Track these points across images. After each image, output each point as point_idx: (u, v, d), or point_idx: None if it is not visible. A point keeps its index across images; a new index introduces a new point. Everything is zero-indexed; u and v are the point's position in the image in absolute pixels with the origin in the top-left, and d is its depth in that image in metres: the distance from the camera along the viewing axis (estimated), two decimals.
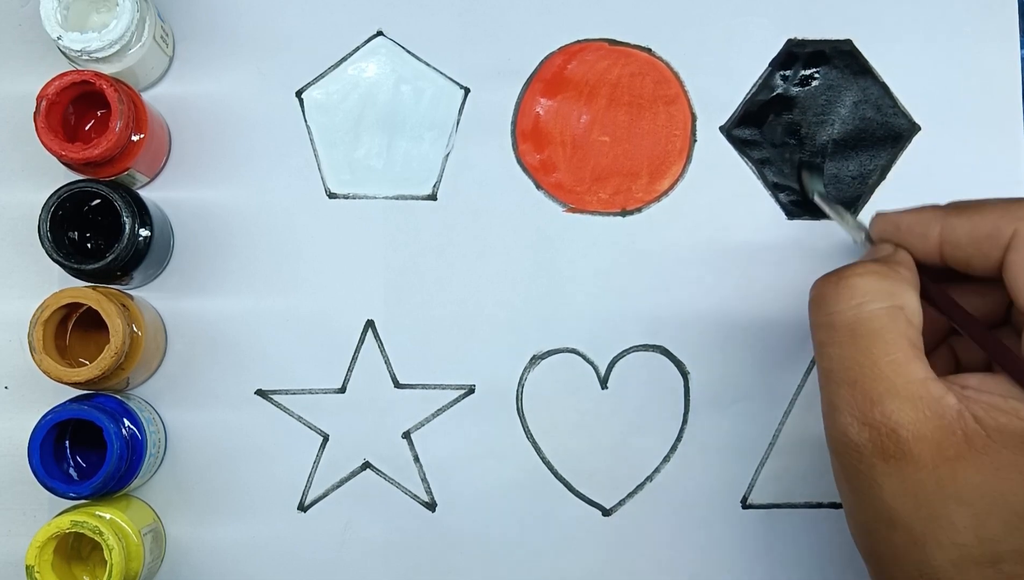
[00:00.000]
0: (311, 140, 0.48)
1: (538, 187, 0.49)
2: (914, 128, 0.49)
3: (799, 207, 0.49)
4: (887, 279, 0.36)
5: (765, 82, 0.49)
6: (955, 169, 0.49)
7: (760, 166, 0.49)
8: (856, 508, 0.37)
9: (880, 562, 0.37)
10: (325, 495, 0.48)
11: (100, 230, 0.46)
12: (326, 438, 0.48)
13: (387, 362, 0.48)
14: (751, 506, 0.48)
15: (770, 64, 0.49)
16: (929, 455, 0.34)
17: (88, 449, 0.46)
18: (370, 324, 0.48)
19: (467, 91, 0.49)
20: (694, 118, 0.49)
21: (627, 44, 0.49)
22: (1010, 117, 0.49)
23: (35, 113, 0.42)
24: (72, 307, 0.43)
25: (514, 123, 0.49)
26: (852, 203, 0.49)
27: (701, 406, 0.48)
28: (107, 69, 0.44)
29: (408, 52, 0.49)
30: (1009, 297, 0.37)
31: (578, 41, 0.49)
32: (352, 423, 0.48)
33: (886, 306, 0.35)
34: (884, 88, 0.49)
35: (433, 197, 0.48)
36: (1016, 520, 0.34)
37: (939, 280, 0.39)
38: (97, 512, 0.43)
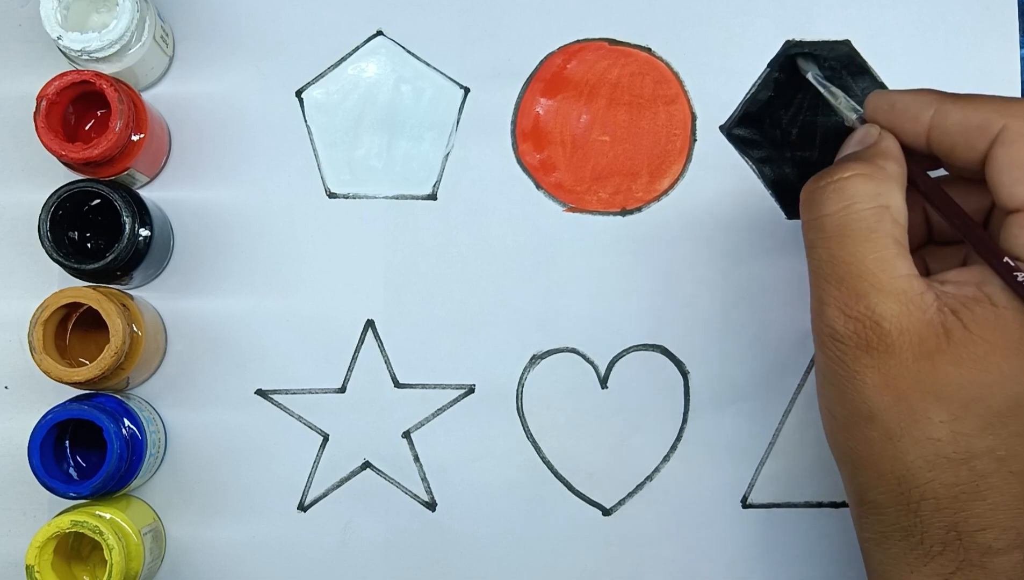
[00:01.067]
0: (311, 140, 0.48)
1: (538, 187, 0.49)
2: None
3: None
4: (873, 180, 0.37)
5: (765, 82, 0.49)
6: None
7: (760, 166, 0.49)
8: (836, 403, 0.37)
9: (854, 462, 0.37)
10: (325, 495, 0.48)
11: (100, 230, 0.46)
12: (326, 438, 0.48)
13: (387, 362, 0.48)
14: (751, 506, 0.48)
15: (769, 64, 0.49)
16: (910, 348, 0.35)
17: (88, 449, 0.46)
18: (370, 324, 0.48)
19: (467, 91, 0.49)
20: (694, 118, 0.49)
21: (627, 44, 0.49)
22: None
23: (35, 113, 0.42)
24: (72, 307, 0.43)
25: (514, 123, 0.49)
26: None
27: (701, 406, 0.48)
28: (107, 69, 0.44)
29: (408, 52, 0.49)
30: (987, 204, 0.38)
31: (578, 41, 0.49)
32: (352, 423, 0.48)
33: (872, 206, 0.36)
34: (883, 88, 0.49)
35: (433, 197, 0.48)
36: (991, 416, 0.35)
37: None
38: (97, 512, 0.43)
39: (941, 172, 0.40)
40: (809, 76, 0.46)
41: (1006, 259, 0.35)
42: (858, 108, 0.41)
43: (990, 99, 0.37)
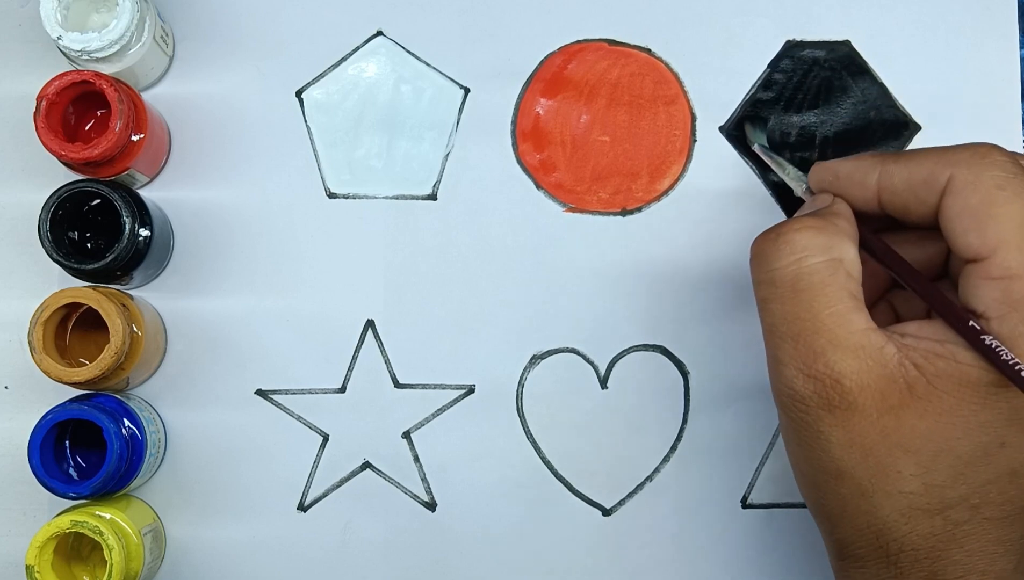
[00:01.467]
0: (311, 140, 0.48)
1: (538, 187, 0.49)
2: (914, 128, 0.49)
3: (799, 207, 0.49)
4: (824, 233, 0.36)
5: (765, 82, 0.49)
6: None
7: (760, 166, 0.49)
8: (804, 462, 0.37)
9: (829, 517, 0.37)
10: (325, 495, 0.48)
11: (100, 230, 0.46)
12: (326, 438, 0.48)
13: (387, 362, 0.48)
14: (751, 506, 0.48)
15: (770, 64, 0.49)
16: (873, 404, 0.35)
17: (88, 449, 0.46)
18: (370, 324, 0.48)
19: (467, 91, 0.49)
20: (694, 118, 0.49)
21: (627, 44, 0.49)
22: (1010, 117, 0.49)
23: (35, 113, 0.42)
24: (72, 307, 0.43)
25: (514, 123, 0.49)
26: None
27: (701, 406, 0.48)
28: (107, 69, 0.44)
29: (408, 52, 0.49)
30: (947, 248, 0.37)
31: (578, 41, 0.49)
32: (352, 423, 0.48)
33: (825, 260, 0.36)
34: (883, 88, 0.49)
35: (433, 197, 0.48)
36: (961, 466, 0.35)
37: (880, 231, 0.39)
38: (97, 512, 0.43)
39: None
40: (756, 148, 0.45)
41: (972, 323, 0.34)
42: (802, 176, 0.41)
43: (932, 152, 0.37)
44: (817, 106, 0.49)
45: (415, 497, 0.48)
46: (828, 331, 0.35)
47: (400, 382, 0.48)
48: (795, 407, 0.36)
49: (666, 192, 0.49)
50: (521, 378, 0.48)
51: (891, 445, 0.35)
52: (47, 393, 0.46)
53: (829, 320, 0.35)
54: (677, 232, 0.49)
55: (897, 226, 0.39)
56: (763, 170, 0.49)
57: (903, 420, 0.35)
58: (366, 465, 0.48)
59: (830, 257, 0.36)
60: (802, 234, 0.36)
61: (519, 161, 0.49)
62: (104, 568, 0.42)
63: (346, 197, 0.48)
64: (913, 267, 0.37)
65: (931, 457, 0.35)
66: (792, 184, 0.42)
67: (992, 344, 0.34)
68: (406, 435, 0.48)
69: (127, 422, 0.44)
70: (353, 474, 0.48)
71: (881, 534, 0.36)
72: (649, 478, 0.48)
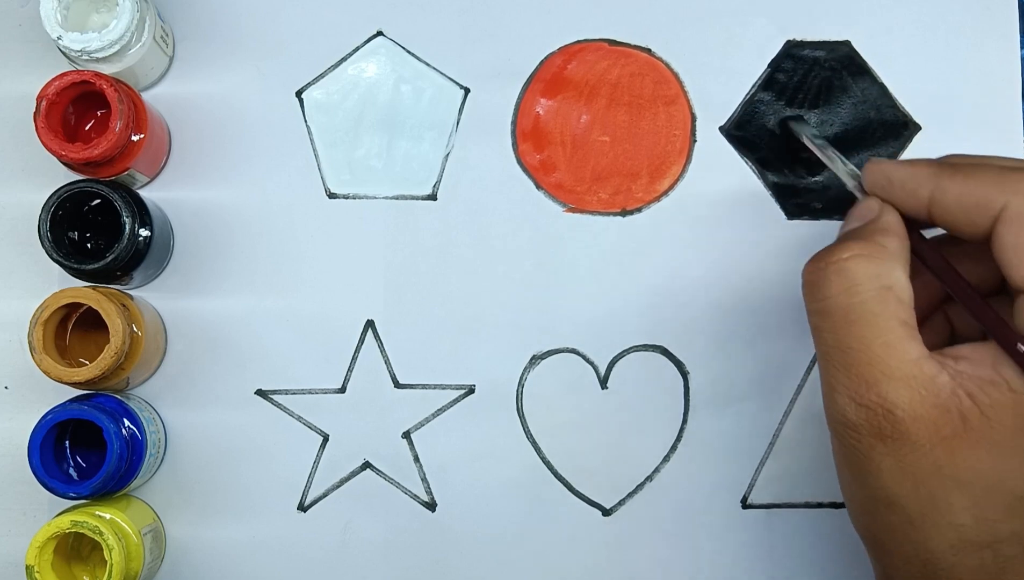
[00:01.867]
0: (311, 140, 0.48)
1: (538, 187, 0.49)
2: (914, 128, 0.49)
3: (799, 207, 0.49)
4: (874, 260, 0.36)
5: (765, 82, 0.49)
6: None
7: (760, 166, 0.49)
8: (855, 489, 0.37)
9: (878, 544, 0.37)
10: (325, 495, 0.48)
11: (100, 230, 0.46)
12: (326, 438, 0.48)
13: (387, 362, 0.48)
14: (751, 506, 0.48)
15: (770, 64, 0.49)
16: (926, 435, 0.34)
17: (88, 449, 0.46)
18: (370, 324, 0.48)
19: (467, 91, 0.49)
20: (694, 118, 0.49)
21: (627, 44, 0.49)
22: (1010, 117, 0.49)
23: (35, 113, 0.42)
24: (72, 307, 0.43)
25: (514, 123, 0.49)
26: (852, 202, 0.49)
27: (701, 406, 0.48)
28: (107, 69, 0.44)
29: (408, 52, 0.49)
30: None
31: (578, 41, 0.49)
32: (352, 423, 0.48)
33: (875, 289, 0.35)
34: (883, 88, 0.49)
35: (433, 197, 0.48)
36: (1014, 502, 0.34)
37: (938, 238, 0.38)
38: (97, 512, 0.43)
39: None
40: (807, 141, 0.44)
41: (1021, 346, 0.34)
42: (856, 172, 0.40)
43: (990, 171, 0.36)
44: (817, 106, 0.49)
45: (415, 497, 0.48)
46: (880, 361, 0.35)
47: (400, 382, 0.48)
48: (847, 434, 0.36)
49: (666, 192, 0.49)
50: (521, 378, 0.48)
51: (943, 477, 0.34)
52: (47, 393, 0.46)
53: (881, 350, 0.35)
54: (677, 232, 0.49)
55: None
56: (763, 170, 0.49)
57: (956, 452, 0.34)
58: (366, 465, 0.48)
59: (880, 285, 0.35)
60: (851, 263, 0.35)
61: (519, 161, 0.49)
62: (104, 568, 0.42)
63: (346, 197, 0.48)
64: (966, 282, 0.36)
65: (984, 491, 0.34)
66: (843, 179, 0.41)
67: None
68: (406, 435, 0.48)
69: (127, 422, 0.44)
70: (353, 474, 0.48)
71: (928, 564, 0.35)
72: (649, 478, 0.48)
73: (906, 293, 0.36)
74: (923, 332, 0.36)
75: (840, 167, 0.41)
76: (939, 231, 0.38)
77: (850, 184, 0.40)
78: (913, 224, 0.37)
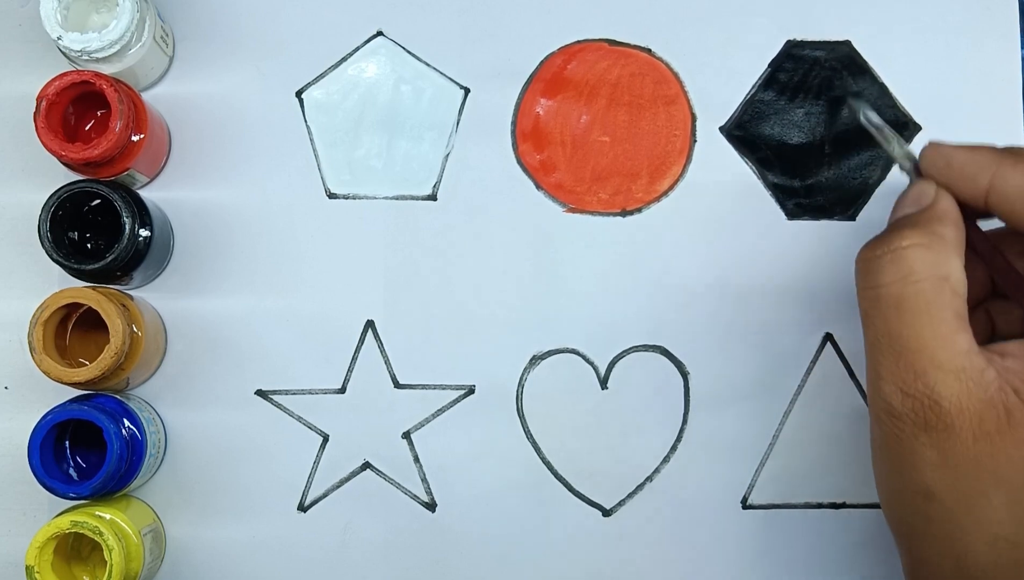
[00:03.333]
0: (311, 140, 0.48)
1: (538, 187, 0.49)
2: (914, 128, 0.49)
3: (800, 207, 0.49)
4: (931, 250, 0.35)
5: (765, 82, 0.49)
6: None
7: (760, 166, 0.49)
8: (893, 478, 0.36)
9: (912, 536, 0.37)
10: (325, 495, 0.48)
11: (100, 230, 0.46)
12: (326, 438, 0.48)
13: (387, 362, 0.48)
14: (751, 506, 0.48)
15: (770, 64, 0.49)
16: (970, 428, 0.34)
17: (88, 449, 0.46)
18: (370, 324, 0.48)
19: (467, 91, 0.49)
20: (694, 118, 0.49)
21: (627, 44, 0.49)
22: (1010, 117, 0.49)
23: (35, 113, 0.42)
24: (72, 307, 0.43)
25: (514, 123, 0.49)
26: (852, 202, 0.49)
27: (701, 406, 0.48)
28: (107, 69, 0.44)
29: (408, 52, 0.49)
30: None
31: (578, 41, 0.49)
32: (352, 423, 0.48)
33: (932, 279, 0.35)
34: (883, 88, 0.49)
35: (433, 197, 0.48)
36: None
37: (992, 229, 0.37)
38: (97, 512, 0.43)
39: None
40: (863, 119, 0.42)
41: None
42: (912, 155, 0.39)
43: None
44: (818, 107, 0.49)
45: (415, 497, 0.48)
46: (930, 352, 0.34)
47: (400, 382, 0.48)
48: (891, 423, 0.35)
49: (666, 192, 0.49)
50: (521, 378, 0.48)
51: (983, 471, 0.34)
52: (47, 393, 0.46)
53: (932, 341, 0.34)
54: (677, 232, 0.49)
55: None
56: (763, 170, 0.49)
57: (998, 448, 0.34)
58: (366, 465, 0.48)
59: (937, 275, 0.35)
60: (908, 252, 0.35)
61: (519, 161, 0.49)
62: (104, 568, 0.42)
63: (346, 197, 0.48)
64: (1020, 276, 0.36)
65: (1023, 488, 0.34)
66: (900, 161, 0.40)
67: None
68: (406, 435, 0.48)
69: (127, 422, 0.44)
70: (353, 474, 0.48)
71: (962, 558, 0.35)
72: (649, 478, 0.48)
73: (961, 285, 0.35)
74: None
75: (896, 148, 0.40)
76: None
77: (905, 165, 0.39)
78: (967, 213, 0.37)
